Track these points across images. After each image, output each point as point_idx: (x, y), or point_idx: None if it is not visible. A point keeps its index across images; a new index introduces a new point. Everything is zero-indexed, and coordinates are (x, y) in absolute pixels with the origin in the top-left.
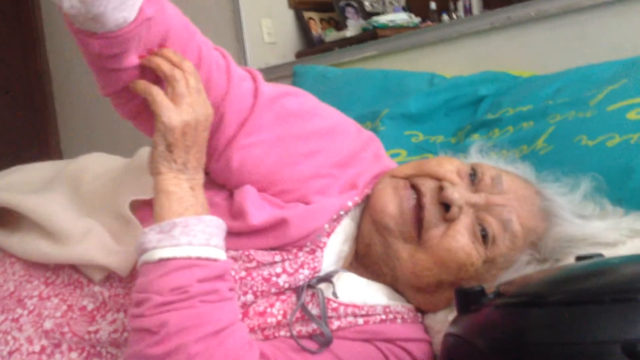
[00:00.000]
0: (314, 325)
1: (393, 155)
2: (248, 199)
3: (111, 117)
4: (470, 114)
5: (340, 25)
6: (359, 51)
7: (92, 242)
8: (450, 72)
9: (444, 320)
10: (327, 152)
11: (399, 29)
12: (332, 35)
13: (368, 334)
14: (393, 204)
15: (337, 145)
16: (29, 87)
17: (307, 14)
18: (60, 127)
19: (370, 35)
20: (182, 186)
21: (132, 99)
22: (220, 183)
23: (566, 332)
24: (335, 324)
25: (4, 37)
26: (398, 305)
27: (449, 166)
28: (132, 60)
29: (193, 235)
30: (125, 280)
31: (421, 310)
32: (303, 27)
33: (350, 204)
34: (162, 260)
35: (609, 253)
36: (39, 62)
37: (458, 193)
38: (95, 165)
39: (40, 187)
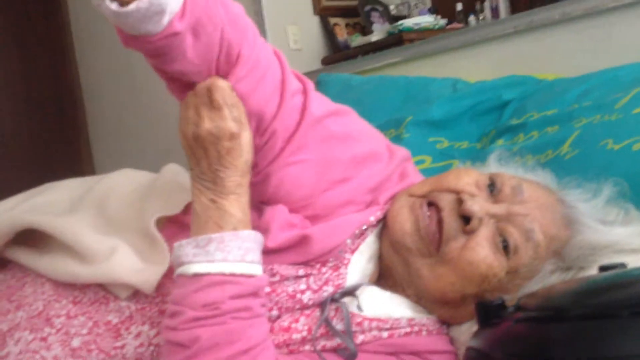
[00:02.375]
0: (338, 340)
1: (418, 162)
2: (275, 219)
3: (141, 126)
4: (494, 119)
5: (366, 30)
6: (382, 58)
7: (118, 260)
8: (474, 77)
9: (469, 332)
10: (361, 179)
11: (424, 32)
12: (357, 40)
13: (393, 347)
14: (409, 222)
15: (372, 172)
16: (60, 100)
17: (332, 20)
18: (92, 138)
19: (395, 39)
20: (204, 201)
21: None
22: (254, 198)
23: (586, 347)
24: (360, 338)
25: (36, 52)
26: (423, 317)
27: (467, 178)
28: (176, 66)
29: (228, 251)
30: (152, 296)
31: (446, 322)
32: (329, 33)
33: (372, 219)
34: (196, 275)
35: (633, 259)
36: (69, 75)
37: (477, 205)
38: (122, 183)
39: (68, 207)
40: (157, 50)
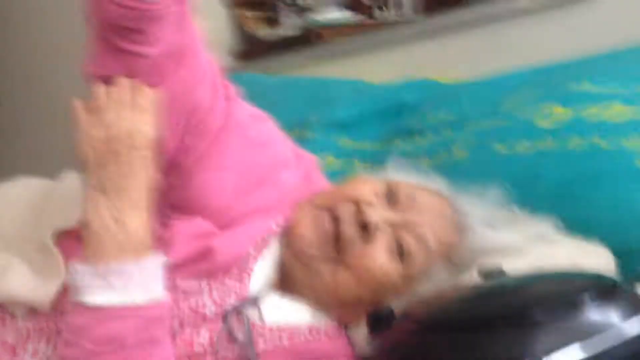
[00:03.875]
0: (240, 351)
1: (323, 163)
2: (181, 232)
3: (38, 125)
4: (395, 121)
5: (275, 23)
6: (289, 59)
7: (11, 278)
8: (377, 80)
9: (366, 334)
10: (276, 185)
11: (334, 26)
12: (267, 33)
13: (294, 354)
14: (310, 230)
15: (285, 178)
16: None
17: (241, 13)
18: None
19: (305, 33)
20: (105, 216)
21: None
22: (172, 203)
23: (462, 357)
24: (262, 347)
25: None
26: (322, 322)
27: (366, 188)
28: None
29: (130, 280)
30: (47, 312)
31: (345, 323)
32: (238, 26)
33: (274, 226)
34: (96, 306)
35: (516, 261)
36: None
37: (375, 214)
38: (16, 196)
39: None
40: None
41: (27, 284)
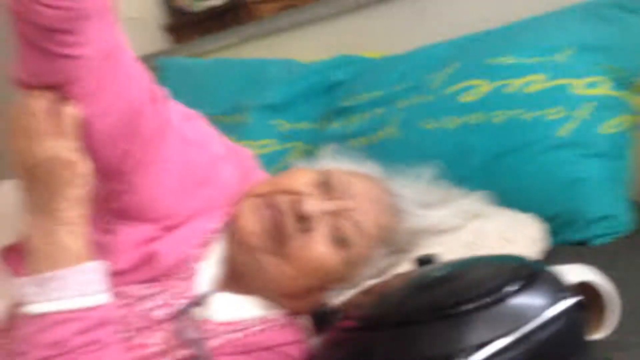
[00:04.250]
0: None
1: (262, 146)
2: (124, 240)
3: None
4: (328, 99)
5: None
6: (221, 39)
7: None
8: (309, 57)
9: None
10: (217, 183)
11: None
12: (197, 4)
13: (247, 346)
14: (252, 223)
15: (225, 176)
16: None
17: None
18: None
19: (235, 5)
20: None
21: None
22: (119, 209)
23: (397, 353)
24: (214, 342)
25: None
26: (273, 313)
27: (302, 179)
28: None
29: (69, 287)
30: (3, 328)
31: (296, 312)
32: None
33: (213, 226)
34: (39, 315)
35: (452, 239)
36: None
37: (312, 205)
38: None
39: None
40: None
41: None
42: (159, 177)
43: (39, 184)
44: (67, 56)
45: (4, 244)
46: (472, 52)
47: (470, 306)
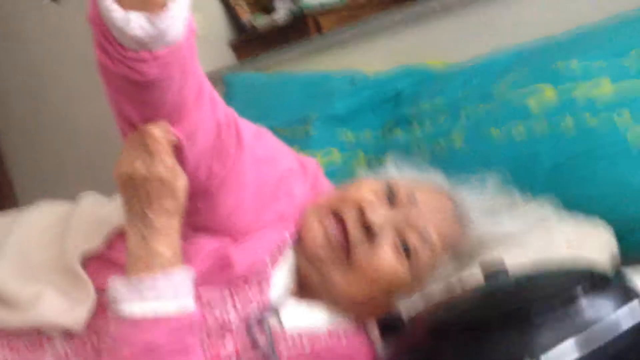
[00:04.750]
0: (263, 356)
1: (325, 155)
2: (200, 249)
3: (57, 146)
4: (392, 109)
5: (268, 8)
6: (285, 53)
7: (44, 304)
8: (372, 68)
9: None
10: (288, 198)
11: (327, 11)
12: (261, 20)
13: (316, 354)
14: (319, 235)
15: (295, 190)
16: None
17: (233, 1)
18: (8, 162)
19: (298, 18)
20: (133, 240)
21: None
22: (201, 224)
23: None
24: (284, 354)
25: None
26: (340, 322)
27: (367, 189)
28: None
29: (161, 290)
30: (83, 332)
31: (362, 321)
32: (231, 14)
33: (287, 234)
34: (132, 315)
35: (518, 246)
36: None
37: (378, 215)
38: (39, 222)
39: None
40: (174, 65)
41: (60, 308)
42: (237, 195)
43: (134, 194)
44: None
45: (85, 252)
46: (537, 58)
47: (540, 310)
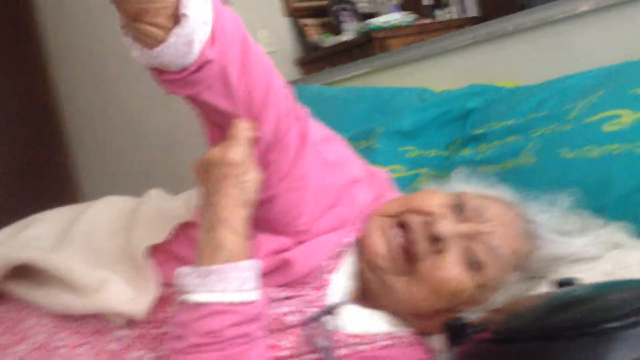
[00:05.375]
0: (321, 356)
1: (390, 172)
2: (262, 246)
3: (123, 143)
4: (460, 127)
5: (336, 29)
6: (352, 69)
7: (109, 292)
8: (440, 86)
9: (444, 341)
10: (350, 204)
11: (393, 29)
12: (328, 40)
13: (372, 359)
14: (381, 243)
15: (359, 197)
16: (39, 122)
17: (302, 21)
18: (74, 156)
19: (365, 38)
20: (202, 227)
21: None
22: (258, 221)
23: None
24: (341, 352)
25: (10, 75)
26: (400, 330)
27: (435, 200)
28: (209, 97)
29: (227, 282)
30: (145, 322)
31: (422, 333)
32: (300, 34)
33: (345, 240)
34: (198, 304)
35: (589, 268)
36: (47, 96)
37: (446, 226)
38: (106, 213)
39: (57, 241)
40: (196, 83)
41: (124, 297)
42: (298, 193)
43: (207, 178)
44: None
45: (151, 244)
46: (614, 82)
47: (614, 325)
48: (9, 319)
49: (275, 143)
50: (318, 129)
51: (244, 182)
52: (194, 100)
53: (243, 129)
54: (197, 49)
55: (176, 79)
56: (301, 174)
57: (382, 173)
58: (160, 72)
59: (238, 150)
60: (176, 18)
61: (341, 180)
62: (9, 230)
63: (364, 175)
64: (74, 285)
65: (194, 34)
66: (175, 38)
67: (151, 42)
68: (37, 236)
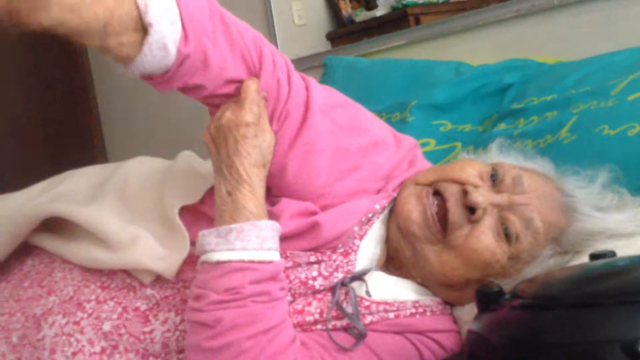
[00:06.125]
0: (348, 321)
1: (422, 145)
2: (287, 208)
3: (151, 110)
4: (496, 102)
5: (370, 4)
6: (386, 41)
7: (141, 248)
8: (477, 61)
9: (471, 312)
10: (370, 167)
11: (428, 5)
12: (362, 15)
13: (399, 326)
14: (416, 211)
15: (380, 160)
16: (71, 84)
17: None
18: (103, 121)
19: (399, 14)
20: (220, 189)
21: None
22: (272, 190)
23: (573, 333)
24: (368, 319)
25: (45, 39)
26: (427, 299)
27: (471, 170)
28: (202, 84)
29: (247, 240)
30: (173, 282)
31: (450, 303)
32: (333, 7)
33: (377, 207)
34: (219, 262)
35: (625, 244)
36: (80, 61)
37: (481, 196)
38: (140, 171)
39: (90, 196)
40: (182, 76)
41: (155, 254)
42: (308, 157)
43: (223, 142)
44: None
45: (183, 203)
46: None
47: None
48: (37, 272)
49: (280, 114)
50: (327, 96)
51: (262, 142)
52: (184, 89)
53: (253, 89)
54: (172, 49)
55: (163, 80)
56: (309, 140)
57: (410, 139)
58: (149, 78)
59: (253, 109)
60: (144, 27)
61: (359, 143)
62: (44, 184)
63: (389, 139)
64: (105, 240)
65: (164, 38)
66: (148, 47)
67: (127, 59)
68: (70, 190)
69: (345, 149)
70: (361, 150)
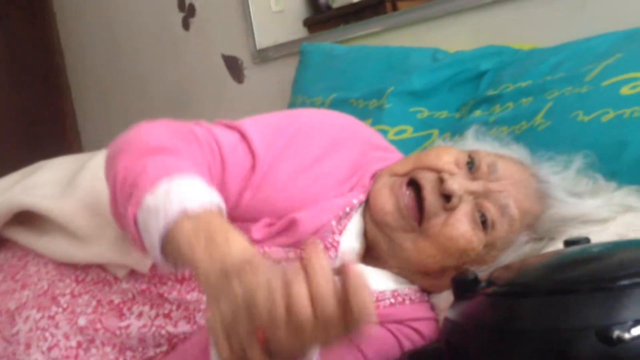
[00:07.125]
0: None
1: (399, 132)
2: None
3: (124, 89)
4: (472, 89)
5: None
6: (363, 27)
7: (111, 242)
8: (454, 47)
9: (448, 300)
10: (331, 172)
11: None
12: (339, 1)
13: (379, 317)
14: (390, 203)
15: (339, 162)
16: (43, 69)
17: None
18: (75, 102)
19: (377, 0)
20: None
21: None
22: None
23: (548, 320)
24: None
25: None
26: (405, 288)
27: (447, 157)
28: None
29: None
30: (149, 276)
31: (427, 290)
32: None
33: (355, 201)
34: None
35: (600, 229)
36: (52, 44)
37: (457, 184)
38: None
39: (61, 188)
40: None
41: (127, 246)
42: (262, 194)
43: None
44: None
45: None
46: (634, 45)
47: (628, 282)
48: (10, 266)
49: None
50: (262, 136)
51: None
52: None
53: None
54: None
55: None
56: (261, 181)
57: (369, 130)
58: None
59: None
60: None
61: (311, 156)
62: (16, 176)
63: (340, 135)
64: (77, 234)
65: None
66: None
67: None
68: (42, 183)
69: (299, 167)
70: (316, 161)
